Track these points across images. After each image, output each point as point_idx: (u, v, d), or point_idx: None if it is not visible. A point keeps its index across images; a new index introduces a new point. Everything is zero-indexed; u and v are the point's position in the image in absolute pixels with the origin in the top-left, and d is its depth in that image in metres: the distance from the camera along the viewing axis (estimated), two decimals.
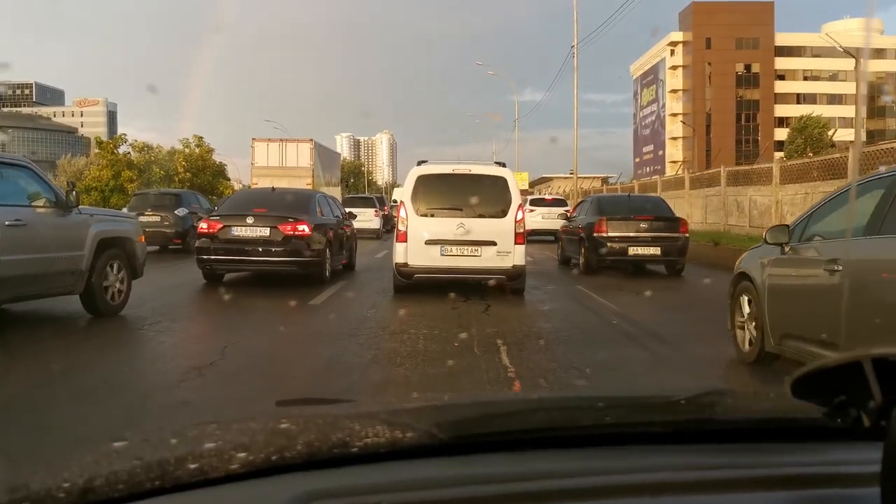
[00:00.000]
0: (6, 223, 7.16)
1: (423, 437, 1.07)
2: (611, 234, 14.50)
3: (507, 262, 10.14)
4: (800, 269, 5.84)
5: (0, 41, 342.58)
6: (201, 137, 49.06)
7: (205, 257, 11.72)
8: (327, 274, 12.19)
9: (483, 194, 10.32)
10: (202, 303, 10.82)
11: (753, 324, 6.31)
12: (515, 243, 10.16)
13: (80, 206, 8.35)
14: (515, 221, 10.17)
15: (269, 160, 34.17)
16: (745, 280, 6.50)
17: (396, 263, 10.31)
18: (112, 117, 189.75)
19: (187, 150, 48.48)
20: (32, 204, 7.74)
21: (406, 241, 10.18)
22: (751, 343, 6.42)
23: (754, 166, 24.30)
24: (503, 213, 10.23)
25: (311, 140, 35.76)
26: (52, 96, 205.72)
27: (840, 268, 5.02)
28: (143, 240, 9.67)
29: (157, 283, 11.51)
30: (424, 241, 10.12)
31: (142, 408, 4.96)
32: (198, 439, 1.05)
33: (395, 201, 25.31)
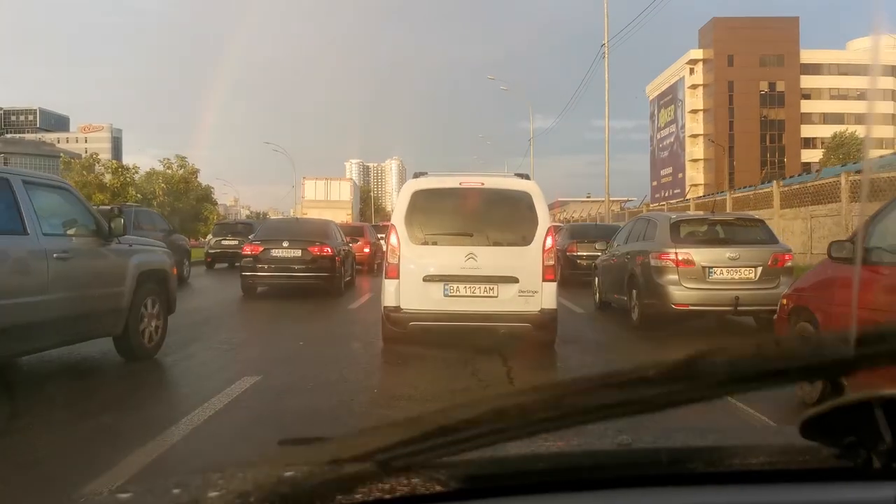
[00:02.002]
0: (55, 255, 6.38)
1: (435, 484, 1.08)
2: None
3: (532, 306, 8.05)
4: None
5: (5, 67, 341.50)
6: (184, 157, 45.04)
7: (248, 273, 15.15)
8: (342, 285, 15.71)
9: (500, 215, 8.42)
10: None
11: None
12: (544, 280, 8.08)
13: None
14: (544, 251, 8.07)
15: (316, 195, 40.85)
16: None
17: (385, 307, 8.26)
18: (117, 143, 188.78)
19: (169, 172, 44.30)
20: (69, 233, 6.88)
21: (398, 278, 8.17)
22: None
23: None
24: (527, 241, 8.13)
25: (350, 179, 46.04)
26: (57, 122, 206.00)
27: None
28: (176, 271, 9.00)
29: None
30: (422, 278, 8.10)
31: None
32: (201, 489, 1.03)
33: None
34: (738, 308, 9.98)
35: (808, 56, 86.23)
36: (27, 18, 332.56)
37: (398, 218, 8.31)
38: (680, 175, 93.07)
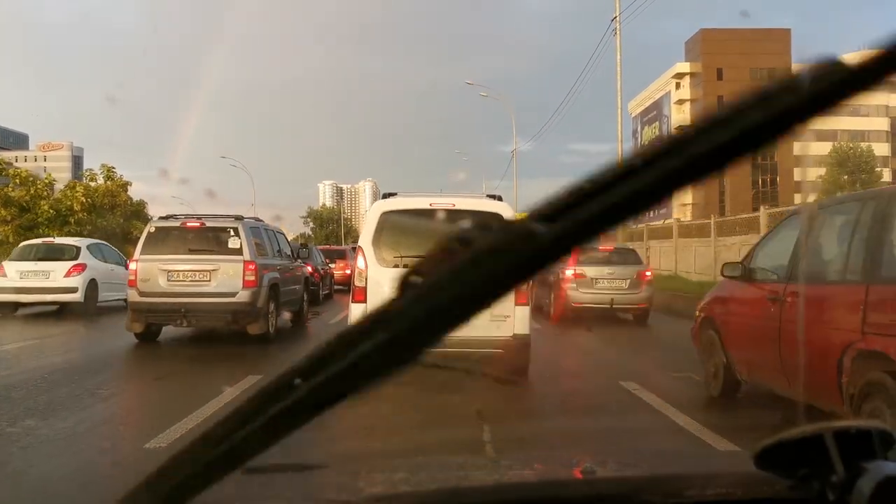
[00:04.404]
0: (283, 267, 13.12)
1: None
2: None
3: (504, 331, 8.00)
4: None
5: None
6: (111, 168, 38.84)
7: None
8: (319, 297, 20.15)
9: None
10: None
11: None
12: (516, 304, 8.06)
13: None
14: None
15: None
16: None
17: None
18: (78, 162, 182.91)
19: (93, 184, 38.10)
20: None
21: (365, 302, 8.16)
22: None
23: None
24: None
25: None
26: (15, 140, 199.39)
27: None
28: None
29: None
30: None
31: None
32: None
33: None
34: (613, 306, 15.54)
35: (800, 69, 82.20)
36: None
37: (366, 239, 8.40)
38: None
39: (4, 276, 16.53)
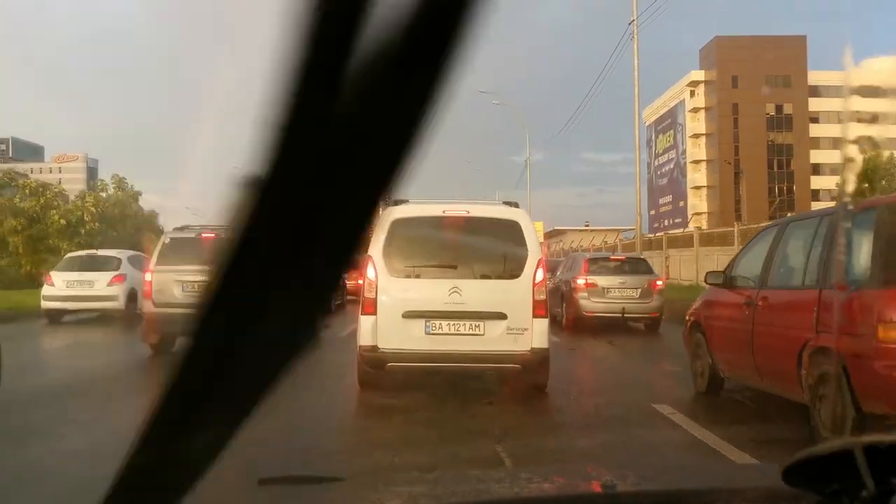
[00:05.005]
0: None
1: None
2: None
3: (522, 345, 7.56)
4: None
5: None
6: (123, 178, 38.70)
7: None
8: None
9: (487, 246, 8.03)
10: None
11: None
12: (534, 316, 7.62)
13: None
14: (534, 284, 7.67)
15: None
16: None
17: (361, 346, 7.79)
18: (92, 173, 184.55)
19: (103, 195, 37.97)
20: None
21: (374, 314, 7.70)
22: None
23: None
24: (516, 273, 7.76)
25: None
26: (31, 152, 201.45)
27: None
28: None
29: None
30: (402, 314, 7.67)
31: None
32: None
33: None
34: (625, 315, 15.39)
35: (816, 77, 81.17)
36: (1, 47, 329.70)
37: (375, 249, 7.83)
38: (681, 203, 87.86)
39: (52, 285, 17.68)
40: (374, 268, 7.83)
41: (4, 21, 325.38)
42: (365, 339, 7.75)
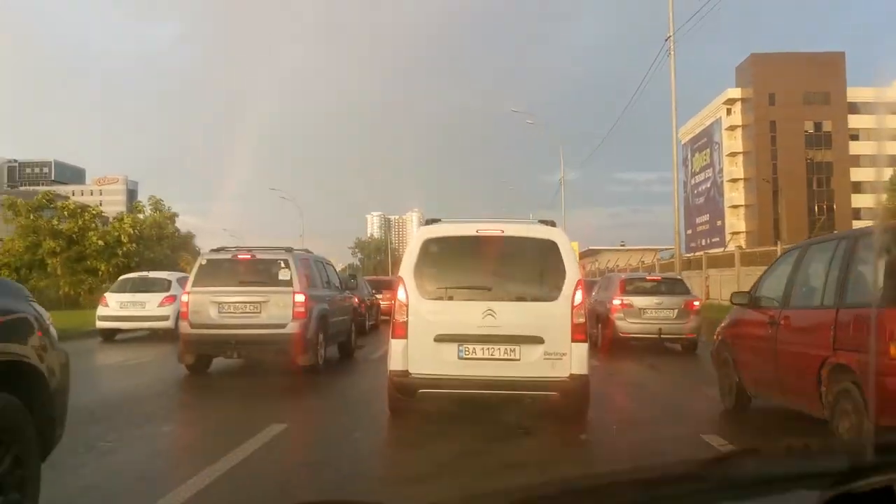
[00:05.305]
0: (331, 298, 13.09)
1: None
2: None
3: (560, 371, 7.22)
4: None
5: (23, 120, 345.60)
6: (160, 200, 39.04)
7: None
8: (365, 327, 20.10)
9: (523, 266, 7.81)
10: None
11: None
12: (573, 340, 7.27)
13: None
14: (573, 307, 7.29)
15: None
16: None
17: (392, 371, 7.50)
18: (132, 195, 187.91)
19: (141, 216, 38.30)
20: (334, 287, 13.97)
21: (405, 338, 7.43)
22: None
23: None
24: (554, 295, 7.39)
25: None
26: (73, 175, 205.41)
27: None
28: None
29: None
30: (434, 338, 7.35)
31: None
32: None
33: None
34: (661, 336, 15.33)
35: (855, 94, 79.70)
36: (46, 71, 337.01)
37: (407, 269, 7.66)
38: (718, 223, 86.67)
39: (106, 305, 18.68)
40: (405, 289, 7.55)
41: (48, 48, 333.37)
42: (395, 363, 7.45)
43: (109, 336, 18.76)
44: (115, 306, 18.65)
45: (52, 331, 4.10)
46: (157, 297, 18.60)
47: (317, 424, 8.09)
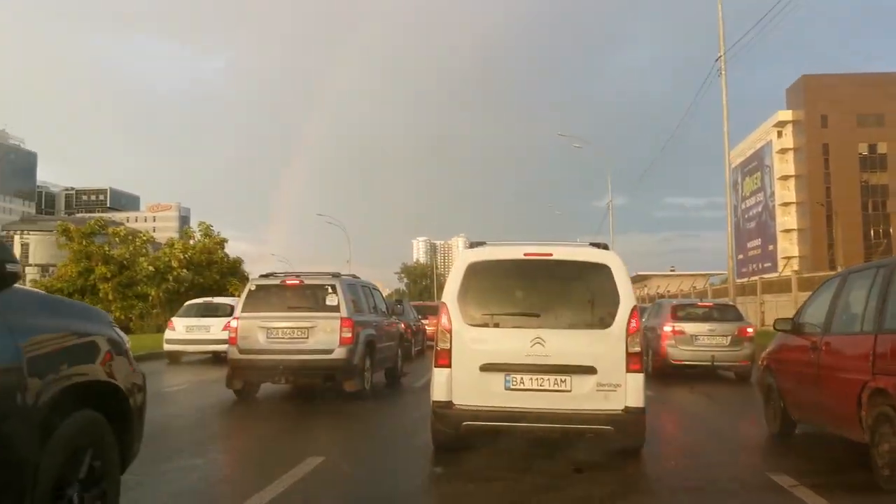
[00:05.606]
0: (378, 323, 12.97)
1: None
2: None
3: (614, 403, 6.79)
4: None
5: (81, 149, 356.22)
6: (210, 226, 39.52)
7: None
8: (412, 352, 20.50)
9: (574, 292, 7.39)
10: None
11: None
12: (628, 371, 6.83)
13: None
14: (628, 335, 6.88)
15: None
16: None
17: (434, 402, 7.11)
18: (185, 222, 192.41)
19: (192, 241, 38.83)
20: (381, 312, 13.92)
21: (449, 366, 7.08)
22: None
23: None
24: (607, 322, 6.98)
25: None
26: (128, 202, 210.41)
27: None
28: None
29: None
30: (479, 367, 6.99)
31: None
32: None
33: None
34: (714, 364, 15.06)
35: None
36: (102, 103, 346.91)
37: (450, 295, 7.31)
38: (770, 247, 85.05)
39: (174, 329, 19.96)
40: (449, 315, 7.20)
41: (104, 81, 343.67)
42: (439, 393, 7.10)
43: (176, 358, 19.79)
44: (181, 330, 19.74)
45: (131, 353, 4.42)
46: (221, 321, 19.07)
47: (356, 457, 7.74)
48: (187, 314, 20.71)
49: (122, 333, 4.41)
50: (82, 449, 3.71)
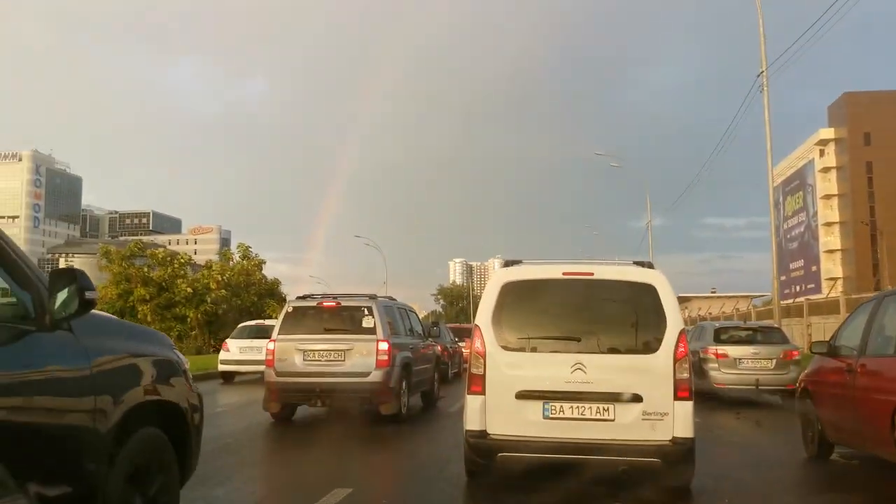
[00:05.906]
0: (415, 346, 12.97)
1: None
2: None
3: (661, 433, 6.32)
4: None
5: (123, 173, 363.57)
6: (248, 247, 39.82)
7: None
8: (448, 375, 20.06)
9: (617, 314, 6.90)
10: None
11: None
12: (676, 398, 6.35)
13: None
14: (675, 360, 6.42)
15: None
16: None
17: (468, 431, 6.71)
18: (226, 244, 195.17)
19: (231, 263, 39.12)
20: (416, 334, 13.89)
21: (483, 393, 6.65)
22: None
23: None
24: (653, 347, 6.53)
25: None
26: (170, 225, 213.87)
27: None
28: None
29: None
30: (515, 394, 6.55)
31: None
32: None
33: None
34: (759, 387, 14.85)
35: None
36: (144, 127, 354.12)
37: (484, 317, 6.86)
38: (814, 268, 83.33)
39: (227, 350, 21.12)
40: (483, 339, 6.80)
41: (146, 106, 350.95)
42: (472, 422, 6.70)
43: (229, 378, 20.86)
44: (235, 351, 20.77)
45: (189, 374, 4.68)
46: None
47: (384, 489, 7.41)
48: (240, 336, 21.58)
49: (181, 355, 4.67)
50: (147, 465, 3.95)
